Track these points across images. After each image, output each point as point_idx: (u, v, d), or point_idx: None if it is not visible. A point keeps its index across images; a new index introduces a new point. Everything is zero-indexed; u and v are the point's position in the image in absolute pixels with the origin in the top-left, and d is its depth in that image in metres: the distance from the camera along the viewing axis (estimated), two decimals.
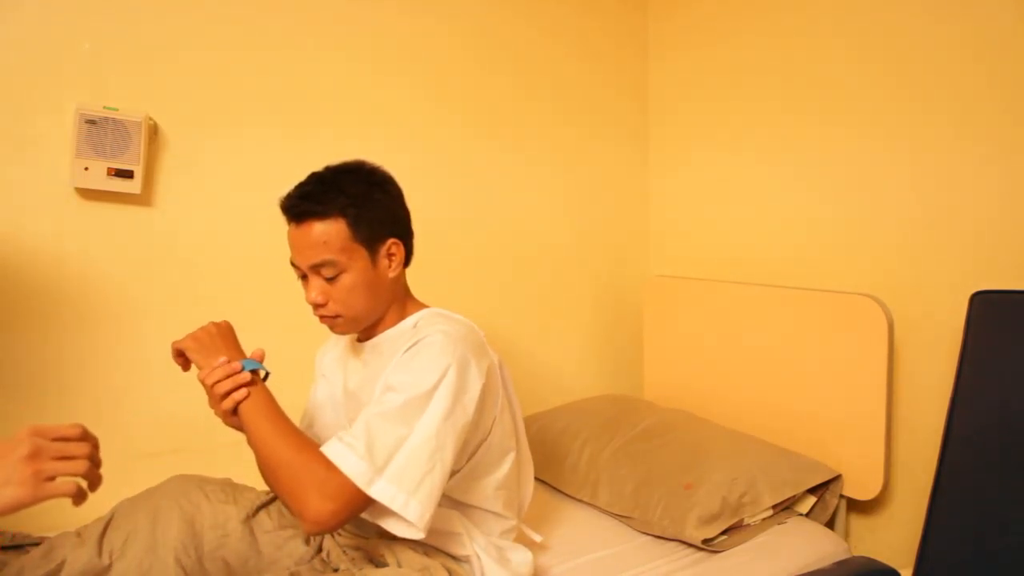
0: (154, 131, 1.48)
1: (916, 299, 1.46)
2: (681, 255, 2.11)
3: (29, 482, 0.68)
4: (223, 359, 0.97)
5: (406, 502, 0.91)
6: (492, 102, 1.92)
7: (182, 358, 1.03)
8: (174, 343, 1.03)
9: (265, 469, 0.96)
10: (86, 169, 1.38)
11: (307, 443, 0.95)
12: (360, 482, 0.89)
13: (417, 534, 0.92)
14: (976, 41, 1.35)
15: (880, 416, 1.43)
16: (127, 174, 1.41)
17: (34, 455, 0.69)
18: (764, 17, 1.78)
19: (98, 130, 1.38)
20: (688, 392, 1.90)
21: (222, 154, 1.57)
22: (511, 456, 1.14)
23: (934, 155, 1.43)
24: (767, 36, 1.78)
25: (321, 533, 0.95)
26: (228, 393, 0.96)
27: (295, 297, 1.63)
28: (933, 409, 1.40)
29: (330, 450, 0.92)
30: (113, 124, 1.39)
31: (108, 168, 1.39)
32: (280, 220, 1.69)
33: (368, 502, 0.91)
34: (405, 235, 1.13)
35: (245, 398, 0.96)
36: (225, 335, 1.04)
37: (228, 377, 0.96)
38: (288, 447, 0.92)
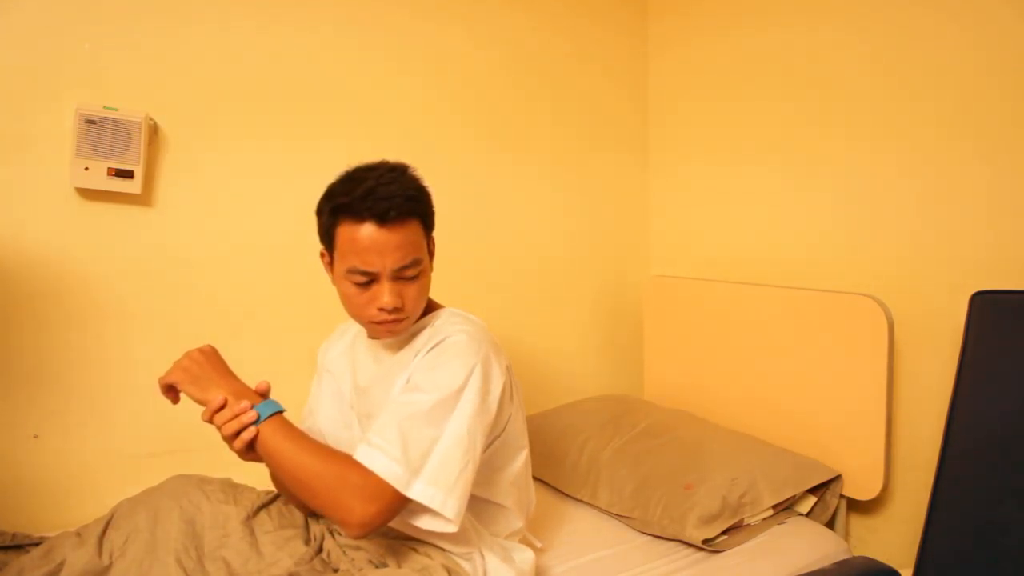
0: (154, 131, 1.48)
1: (916, 299, 1.46)
2: (681, 255, 2.11)
3: None
4: (219, 399, 0.94)
5: (444, 501, 0.93)
6: (493, 103, 1.92)
7: (172, 392, 1.00)
8: (161, 379, 0.99)
9: (297, 486, 0.94)
10: (86, 169, 1.38)
11: (334, 452, 0.96)
12: (398, 484, 0.91)
13: (451, 528, 0.95)
14: (976, 40, 1.35)
15: (880, 416, 1.43)
16: (127, 174, 1.41)
17: None
18: (764, 18, 1.78)
19: (98, 130, 1.38)
20: (688, 392, 1.90)
21: (222, 154, 1.56)
22: (524, 453, 1.16)
23: (934, 154, 1.43)
24: (767, 37, 1.78)
25: (367, 536, 0.97)
26: (237, 433, 0.93)
27: (295, 297, 1.64)
28: (933, 409, 1.40)
29: (363, 456, 0.93)
30: (113, 124, 1.39)
31: (108, 168, 1.39)
32: (281, 220, 1.68)
33: (406, 502, 0.93)
34: None
35: (254, 437, 0.93)
36: (213, 361, 1.00)
37: (234, 418, 0.93)
38: (317, 460, 0.93)
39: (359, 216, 0.99)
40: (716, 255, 1.97)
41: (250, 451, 0.95)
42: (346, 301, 1.06)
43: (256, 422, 0.94)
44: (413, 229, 1.02)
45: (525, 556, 1.14)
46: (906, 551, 1.39)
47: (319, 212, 1.06)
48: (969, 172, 1.37)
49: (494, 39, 1.92)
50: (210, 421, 0.95)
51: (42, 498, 1.41)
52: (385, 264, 0.99)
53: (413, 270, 1.02)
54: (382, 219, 0.98)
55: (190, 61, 1.52)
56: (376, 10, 1.73)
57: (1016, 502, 1.13)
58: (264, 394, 1.00)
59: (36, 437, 1.41)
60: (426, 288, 1.08)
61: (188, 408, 1.02)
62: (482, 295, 1.92)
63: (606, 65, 2.12)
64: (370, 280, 1.01)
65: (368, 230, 0.98)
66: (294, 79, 1.63)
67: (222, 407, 0.94)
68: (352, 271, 1.01)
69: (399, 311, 1.02)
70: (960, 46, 1.38)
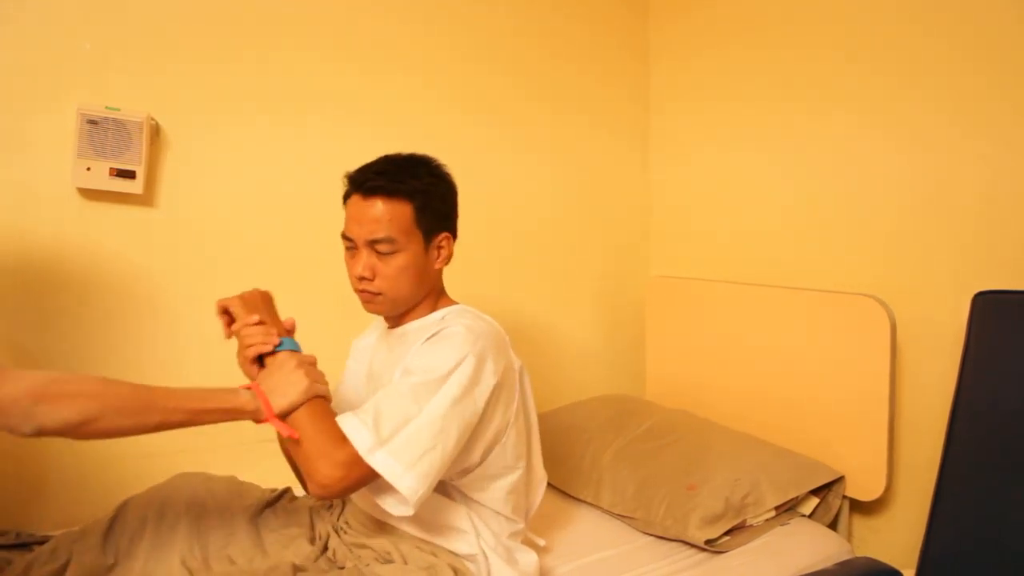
0: (156, 131, 1.47)
1: (918, 299, 1.46)
2: (682, 255, 2.11)
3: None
4: (255, 317, 1.03)
5: (402, 474, 0.94)
6: (493, 104, 1.92)
7: (227, 315, 1.07)
8: (220, 300, 1.07)
9: (288, 441, 0.99)
10: (88, 169, 1.38)
11: (325, 416, 0.99)
12: (362, 451, 0.93)
13: (408, 511, 0.95)
14: (976, 40, 1.35)
15: (883, 417, 1.43)
16: (129, 174, 1.41)
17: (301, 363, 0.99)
18: (764, 17, 1.78)
19: (100, 130, 1.38)
20: (690, 392, 1.90)
21: (224, 154, 1.56)
22: (524, 463, 1.16)
23: (936, 155, 1.43)
24: (767, 36, 1.78)
25: (328, 499, 1.05)
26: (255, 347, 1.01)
27: (297, 297, 1.63)
28: (935, 409, 1.40)
29: (343, 421, 0.97)
30: (114, 124, 1.39)
31: (110, 168, 1.39)
32: (284, 220, 1.69)
33: (372, 474, 0.94)
34: (454, 234, 1.18)
35: (264, 355, 1.02)
36: (268, 303, 1.09)
37: (261, 335, 1.02)
38: (307, 418, 0.97)
39: (354, 186, 1.10)
40: (718, 255, 1.97)
41: (254, 364, 1.03)
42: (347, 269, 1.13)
43: (278, 347, 1.02)
44: (399, 209, 1.06)
45: (529, 559, 1.15)
46: (909, 552, 1.38)
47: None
48: (971, 172, 1.37)
49: (496, 40, 1.92)
50: (238, 333, 1.03)
51: (47, 497, 1.41)
52: (360, 233, 1.07)
53: (385, 246, 1.06)
54: (366, 190, 1.07)
55: (191, 61, 1.52)
56: (377, 11, 1.73)
57: (1018, 502, 1.13)
58: (291, 330, 1.09)
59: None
60: (407, 272, 1.09)
61: None
62: (483, 295, 1.92)
63: (607, 66, 2.11)
64: (353, 247, 1.09)
65: (355, 199, 1.09)
66: (295, 78, 1.63)
67: (258, 324, 1.03)
68: (342, 236, 1.11)
69: (368, 282, 1.08)
70: (961, 47, 1.38)
